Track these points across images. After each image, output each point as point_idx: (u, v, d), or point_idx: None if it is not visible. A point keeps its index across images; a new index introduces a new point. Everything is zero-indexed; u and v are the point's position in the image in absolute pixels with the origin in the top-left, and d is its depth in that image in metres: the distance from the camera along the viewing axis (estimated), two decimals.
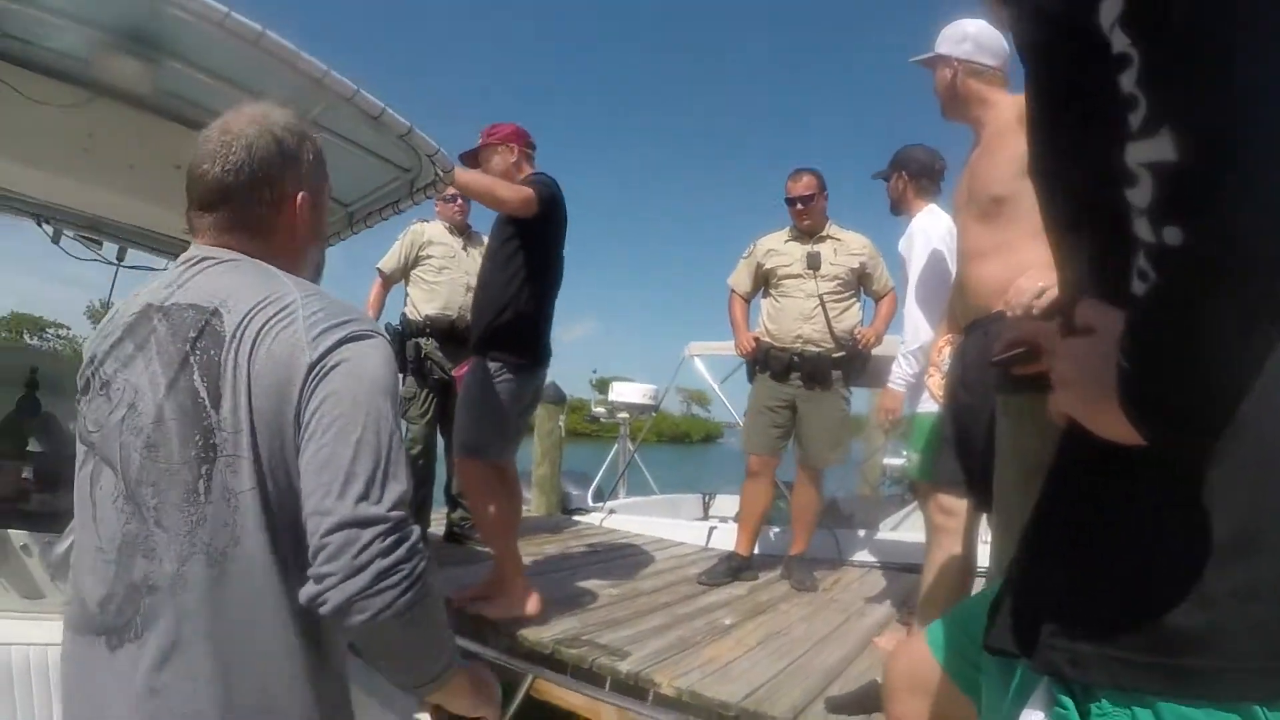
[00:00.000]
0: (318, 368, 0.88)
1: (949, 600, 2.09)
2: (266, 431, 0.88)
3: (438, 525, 4.22)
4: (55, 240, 2.76)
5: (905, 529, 4.78)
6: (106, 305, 3.52)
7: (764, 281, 3.77)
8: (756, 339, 3.72)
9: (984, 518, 2.07)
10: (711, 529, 4.85)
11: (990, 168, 1.88)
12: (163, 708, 0.87)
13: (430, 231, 4.06)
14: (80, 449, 0.99)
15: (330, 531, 0.82)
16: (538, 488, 5.60)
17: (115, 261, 2.96)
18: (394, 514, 0.85)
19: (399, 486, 0.87)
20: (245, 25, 1.63)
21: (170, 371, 0.90)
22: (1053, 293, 1.53)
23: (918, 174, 2.92)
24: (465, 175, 2.48)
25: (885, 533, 4.74)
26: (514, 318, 2.73)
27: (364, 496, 0.84)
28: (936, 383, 2.17)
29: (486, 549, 3.90)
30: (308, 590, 0.83)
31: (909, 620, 3.00)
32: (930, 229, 2.73)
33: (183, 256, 1.03)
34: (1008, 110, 1.89)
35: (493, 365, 2.73)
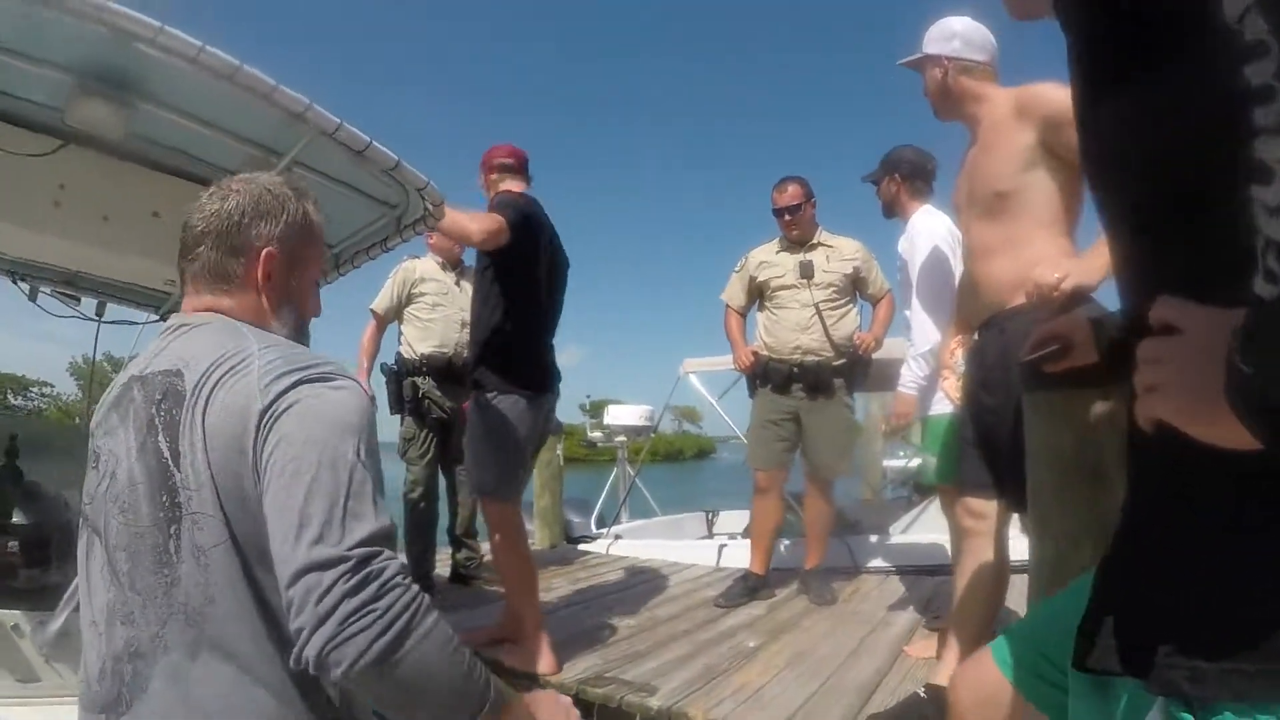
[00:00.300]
0: (269, 413, 0.85)
1: (987, 604, 2.03)
2: (228, 485, 0.86)
3: (443, 566, 4.11)
4: (32, 298, 2.67)
5: (915, 531, 4.74)
6: (91, 362, 3.43)
7: (758, 294, 3.73)
8: (755, 353, 3.66)
9: (1014, 517, 2.02)
10: (721, 547, 4.78)
11: (991, 163, 1.85)
12: None
13: (422, 268, 3.98)
14: (81, 522, 0.99)
15: (292, 582, 0.77)
16: (540, 519, 5.50)
17: (95, 318, 2.88)
18: (356, 551, 0.78)
19: (364, 524, 0.81)
20: (220, 59, 1.56)
21: (139, 437, 0.91)
22: (1072, 280, 1.50)
23: (910, 175, 2.88)
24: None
25: (897, 537, 4.69)
26: (499, 346, 2.64)
27: (319, 539, 0.78)
28: (952, 385, 2.12)
29: (494, 588, 3.82)
30: (294, 652, 0.77)
31: (935, 626, 2.94)
32: (931, 229, 2.70)
33: (163, 327, 1.05)
34: (1003, 105, 1.87)
35: (488, 397, 2.63)
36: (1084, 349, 1.38)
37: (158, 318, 2.97)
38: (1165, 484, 0.66)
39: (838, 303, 3.57)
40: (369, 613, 0.75)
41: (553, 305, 2.81)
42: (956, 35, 1.98)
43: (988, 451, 1.90)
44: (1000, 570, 2.01)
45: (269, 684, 0.86)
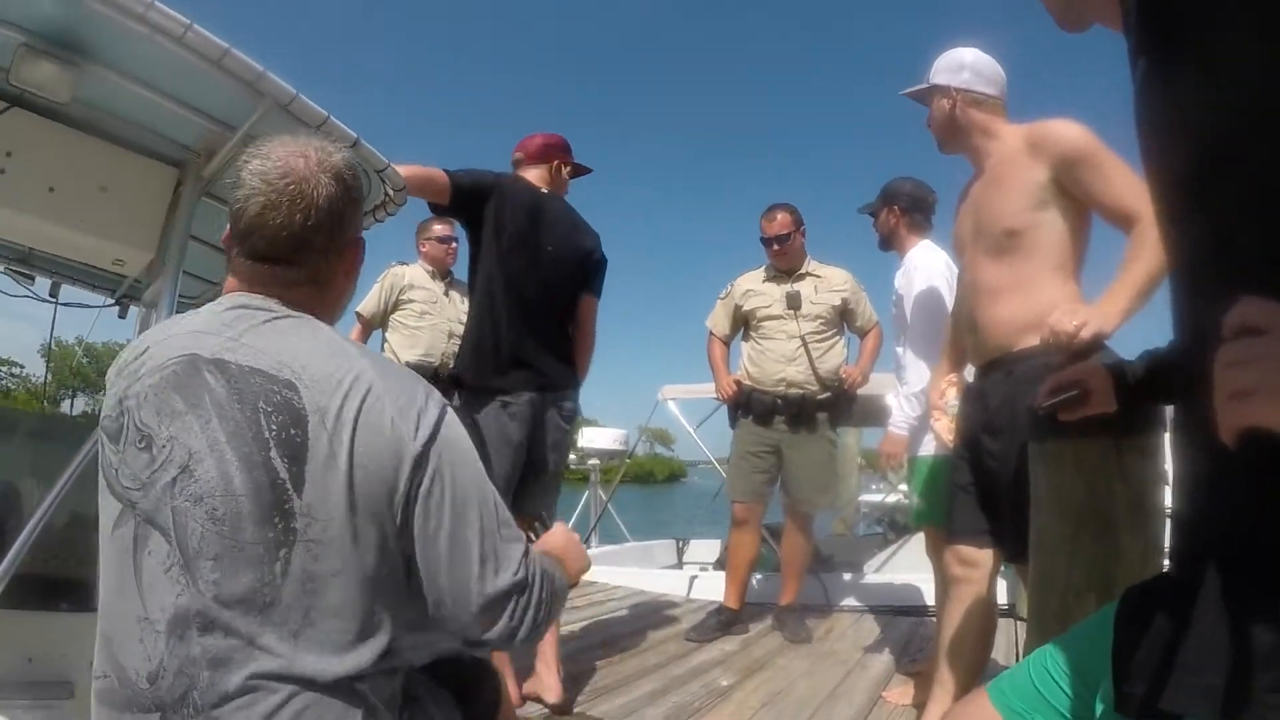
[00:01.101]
0: (421, 455, 0.90)
1: (975, 655, 1.96)
2: (365, 518, 0.87)
3: None
4: None
5: (890, 570, 4.68)
6: (48, 344, 3.36)
7: (743, 323, 3.66)
8: (738, 382, 3.59)
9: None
10: (692, 578, 4.67)
11: (1001, 200, 1.80)
12: None
13: (410, 275, 3.88)
14: (112, 503, 0.91)
15: (482, 609, 0.93)
16: None
17: (50, 298, 2.76)
18: (519, 576, 0.95)
19: (517, 545, 0.97)
20: (169, 17, 1.48)
21: (241, 445, 0.86)
22: (1091, 328, 1.45)
23: (910, 208, 2.83)
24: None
25: (871, 575, 4.62)
26: (467, 341, 2.50)
27: (497, 570, 0.93)
28: (945, 426, 2.05)
29: None
30: (486, 639, 0.95)
31: (912, 670, 2.86)
32: (929, 265, 2.65)
33: (228, 302, 0.96)
34: (1014, 140, 1.83)
35: (453, 407, 2.47)
36: (1103, 397, 1.32)
37: (113, 302, 2.86)
38: (1258, 499, 0.59)
39: (825, 334, 3.52)
40: (541, 608, 0.97)
41: (541, 298, 2.49)
42: (966, 67, 1.94)
43: (986, 498, 1.83)
44: (989, 621, 1.94)
45: (347, 699, 0.87)
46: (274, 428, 0.85)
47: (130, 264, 2.22)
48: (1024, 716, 0.89)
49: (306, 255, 0.96)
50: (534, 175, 2.63)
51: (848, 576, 4.53)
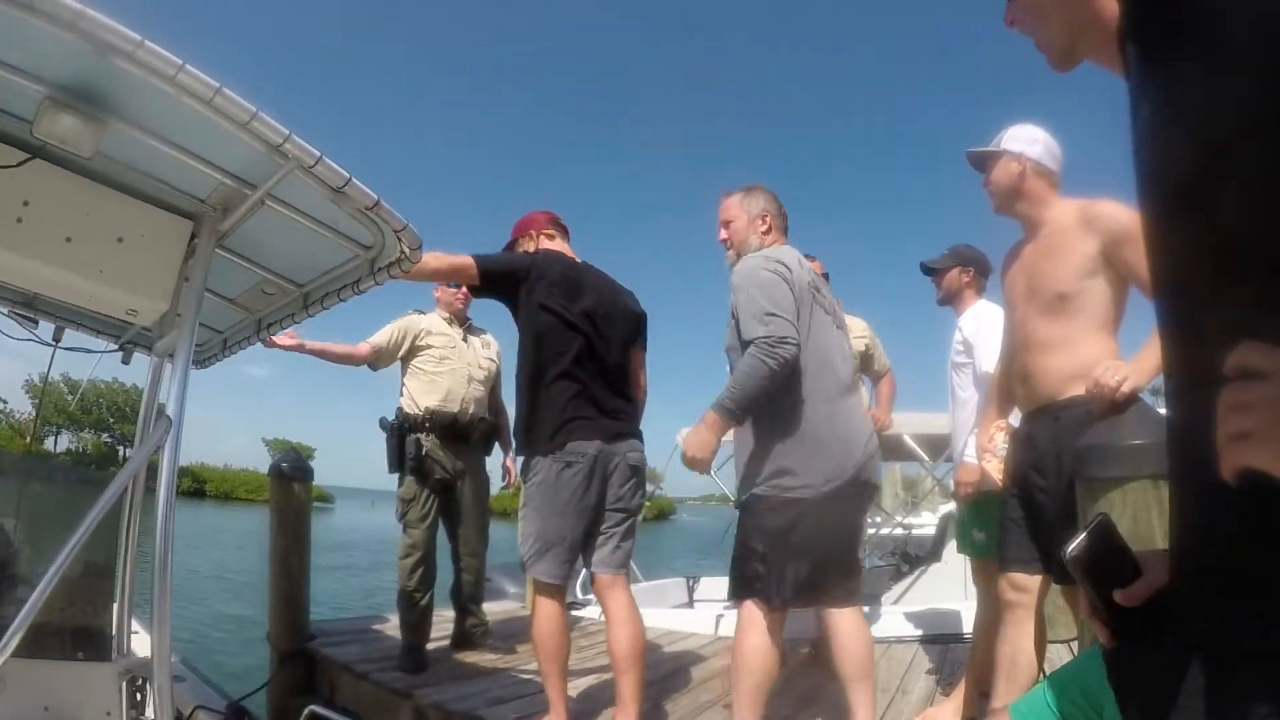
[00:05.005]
0: None
1: (1031, 673, 2.15)
2: None
3: (442, 629, 3.96)
4: None
5: (910, 600, 4.86)
6: (43, 385, 3.22)
7: None
8: None
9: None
10: (719, 617, 4.81)
11: (1055, 267, 2.07)
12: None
13: (427, 322, 3.92)
14: (822, 316, 2.44)
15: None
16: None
17: (52, 343, 2.69)
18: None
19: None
20: (199, 80, 1.49)
21: (834, 310, 2.53)
22: (1131, 383, 1.70)
23: (981, 272, 3.17)
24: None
25: (890, 605, 4.80)
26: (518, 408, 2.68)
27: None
28: (995, 467, 2.29)
29: (498, 656, 3.80)
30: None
31: (951, 691, 3.04)
32: (998, 321, 2.90)
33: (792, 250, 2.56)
34: (1068, 214, 2.09)
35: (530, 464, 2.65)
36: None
37: (116, 347, 2.81)
38: (1251, 533, 0.59)
39: None
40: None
41: (594, 361, 2.66)
42: (1039, 141, 2.20)
43: (1036, 528, 2.06)
44: (1042, 639, 2.15)
45: None
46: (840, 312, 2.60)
47: (144, 314, 2.18)
48: None
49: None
50: (559, 245, 2.86)
51: (866, 609, 4.70)
